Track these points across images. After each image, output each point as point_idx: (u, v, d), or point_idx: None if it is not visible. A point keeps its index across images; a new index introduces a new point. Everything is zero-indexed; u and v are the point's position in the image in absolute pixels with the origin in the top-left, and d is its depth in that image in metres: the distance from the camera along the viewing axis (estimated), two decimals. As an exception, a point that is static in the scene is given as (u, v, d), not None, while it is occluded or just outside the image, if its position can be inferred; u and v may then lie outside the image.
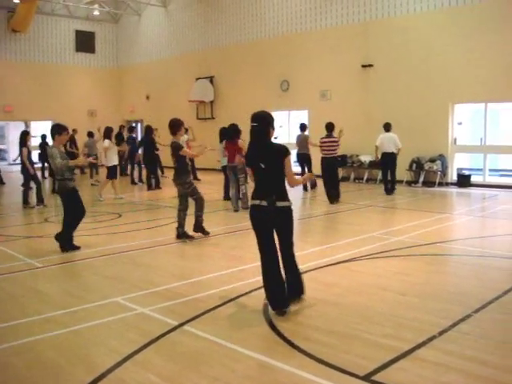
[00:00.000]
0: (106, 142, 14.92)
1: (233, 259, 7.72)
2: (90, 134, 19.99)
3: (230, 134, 12.36)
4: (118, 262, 7.78)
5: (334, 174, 13.80)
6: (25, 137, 13.64)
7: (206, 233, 9.37)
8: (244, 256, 7.75)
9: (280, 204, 5.33)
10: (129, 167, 20.56)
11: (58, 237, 8.45)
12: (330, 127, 13.89)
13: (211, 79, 24.34)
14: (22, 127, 27.36)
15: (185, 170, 9.15)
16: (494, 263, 7.42)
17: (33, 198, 13.83)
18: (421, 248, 8.19)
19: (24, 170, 13.57)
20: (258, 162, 5.42)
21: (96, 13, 28.47)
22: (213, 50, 24.45)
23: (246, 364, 4.27)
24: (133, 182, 18.83)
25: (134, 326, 5.20)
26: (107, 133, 15.02)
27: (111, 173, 14.85)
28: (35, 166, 14.20)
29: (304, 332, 4.90)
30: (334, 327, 4.99)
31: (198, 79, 24.76)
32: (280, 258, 5.44)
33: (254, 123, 5.42)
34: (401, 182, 17.26)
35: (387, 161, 14.77)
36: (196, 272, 7.10)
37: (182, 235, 9.16)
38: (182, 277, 6.84)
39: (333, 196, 13.40)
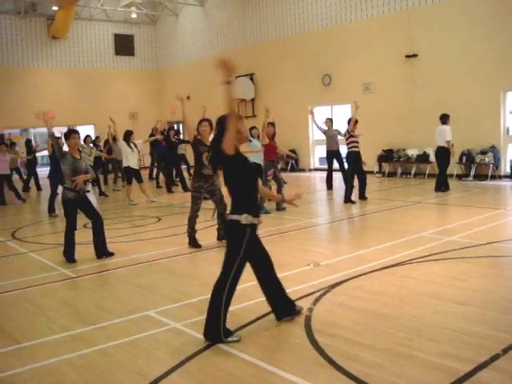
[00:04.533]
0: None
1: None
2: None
3: None
4: (151, 271, 7.42)
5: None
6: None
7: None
8: (285, 261, 7.11)
9: (229, 217, 4.79)
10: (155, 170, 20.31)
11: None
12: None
13: (251, 77, 23.92)
14: (65, 132, 27.65)
15: None
16: (560, 265, 6.74)
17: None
18: (476, 249, 7.53)
19: (54, 176, 12.98)
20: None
21: (134, 15, 28.45)
22: (252, 46, 24.02)
23: (285, 390, 3.82)
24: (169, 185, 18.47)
25: (164, 343, 4.81)
26: (127, 136, 14.56)
27: (138, 177, 14.61)
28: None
29: (349, 350, 4.38)
30: (383, 344, 4.47)
31: (238, 77, 24.34)
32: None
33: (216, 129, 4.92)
34: (451, 175, 16.46)
35: (437, 155, 14.09)
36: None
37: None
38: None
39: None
